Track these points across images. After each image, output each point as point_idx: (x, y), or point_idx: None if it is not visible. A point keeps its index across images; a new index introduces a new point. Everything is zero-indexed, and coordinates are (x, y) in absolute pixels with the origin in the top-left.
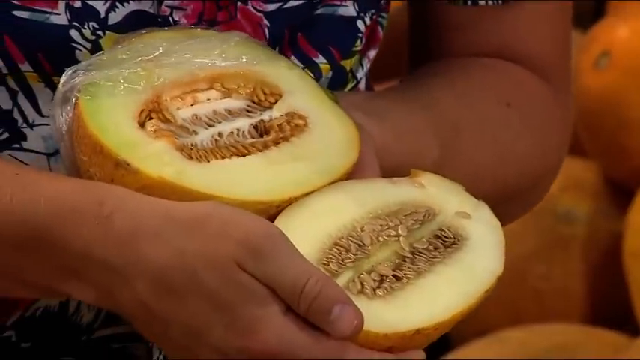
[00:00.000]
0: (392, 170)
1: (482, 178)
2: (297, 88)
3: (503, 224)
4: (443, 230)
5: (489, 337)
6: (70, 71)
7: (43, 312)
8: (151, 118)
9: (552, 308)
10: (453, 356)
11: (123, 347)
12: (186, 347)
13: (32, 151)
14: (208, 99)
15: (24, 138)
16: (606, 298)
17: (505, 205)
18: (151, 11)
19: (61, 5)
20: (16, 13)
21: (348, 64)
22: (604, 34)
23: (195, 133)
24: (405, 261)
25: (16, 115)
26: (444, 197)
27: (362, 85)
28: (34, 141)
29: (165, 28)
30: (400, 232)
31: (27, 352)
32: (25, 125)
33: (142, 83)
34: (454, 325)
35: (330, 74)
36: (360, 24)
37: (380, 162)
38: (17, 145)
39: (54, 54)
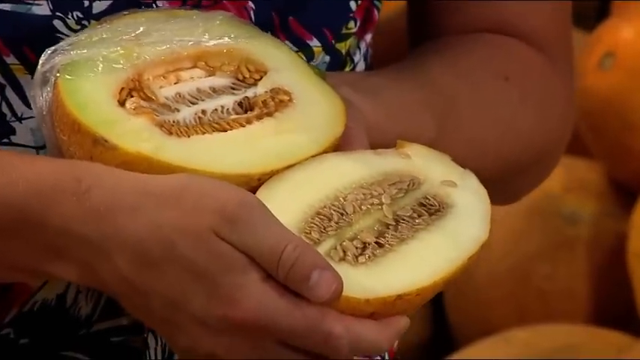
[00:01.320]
0: (386, 147)
1: (483, 154)
2: (282, 65)
3: (511, 202)
4: (428, 198)
5: (494, 338)
6: (49, 51)
7: (41, 306)
8: (131, 97)
9: (557, 308)
10: (458, 356)
11: (122, 340)
12: (168, 319)
13: (21, 145)
14: (192, 77)
15: (13, 132)
16: (611, 299)
17: (510, 181)
18: None
19: None
20: None
21: (343, 47)
22: (608, 34)
23: (178, 110)
24: (388, 229)
25: (5, 109)
26: (429, 167)
27: (360, 68)
28: (23, 134)
29: (148, 9)
30: (383, 200)
31: (26, 349)
32: (13, 119)
33: (122, 62)
34: (458, 324)
35: (325, 58)
36: (352, 4)
37: (374, 140)
38: (6, 140)
39: (38, 45)
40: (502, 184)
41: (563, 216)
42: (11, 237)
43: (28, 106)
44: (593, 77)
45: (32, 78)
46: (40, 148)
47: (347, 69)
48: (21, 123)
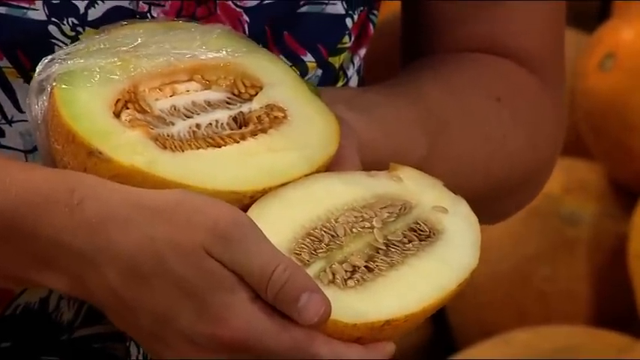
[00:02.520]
0: (379, 165)
1: (472, 173)
2: (277, 81)
3: (498, 221)
4: (419, 224)
5: (494, 339)
6: (47, 60)
7: (23, 310)
8: (127, 109)
9: (557, 310)
10: (458, 357)
11: (103, 347)
12: (156, 335)
13: (9, 148)
14: (188, 90)
15: (2, 134)
16: (611, 300)
17: (498, 201)
18: (130, 7)
19: (39, 1)
20: None
21: (336, 61)
22: (609, 35)
23: (172, 123)
24: (378, 253)
25: None
26: (421, 191)
27: (353, 82)
28: (12, 138)
29: (146, 20)
30: (375, 224)
31: (7, 352)
32: (3, 121)
33: (118, 73)
34: (458, 325)
35: (318, 72)
36: (348, 21)
37: (367, 157)
38: None
39: (32, 50)
40: (490, 204)
41: (564, 217)
42: (1, 244)
43: (19, 109)
44: (594, 78)
45: (25, 82)
46: (29, 152)
47: (340, 83)
48: (11, 126)
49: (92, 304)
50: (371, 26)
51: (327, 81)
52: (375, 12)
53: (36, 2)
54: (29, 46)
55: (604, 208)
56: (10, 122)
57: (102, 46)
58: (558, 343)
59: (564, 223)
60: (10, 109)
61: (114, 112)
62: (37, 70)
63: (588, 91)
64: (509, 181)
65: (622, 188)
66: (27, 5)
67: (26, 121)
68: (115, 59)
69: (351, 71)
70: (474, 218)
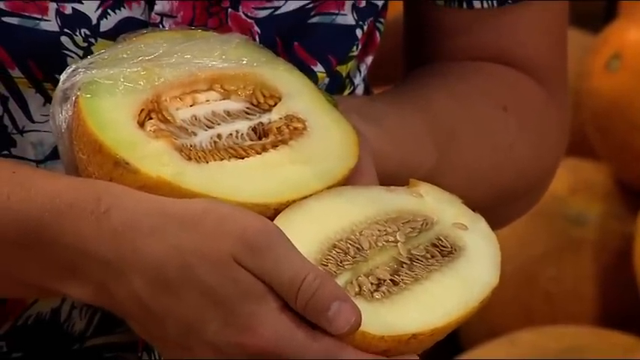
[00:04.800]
0: (389, 174)
1: (478, 181)
2: (296, 92)
3: (500, 226)
4: (440, 239)
5: (500, 339)
6: (70, 69)
7: (35, 320)
8: (150, 118)
9: (563, 310)
10: (464, 358)
11: (115, 357)
12: (182, 344)
13: (21, 158)
14: (207, 100)
15: (13, 144)
16: (617, 300)
17: (502, 208)
18: (142, 18)
19: (51, 11)
20: (5, 19)
21: (344, 69)
22: (615, 36)
23: (194, 134)
24: (402, 267)
25: (7, 121)
26: (441, 208)
27: (360, 90)
28: (23, 147)
29: (167, 29)
30: (398, 238)
31: None
32: (15, 131)
33: (142, 83)
34: (464, 325)
35: (326, 80)
36: (358, 32)
37: (378, 167)
38: (6, 152)
39: (45, 60)
40: (494, 210)
41: (570, 218)
42: (26, 252)
43: (31, 119)
44: (600, 79)
45: (36, 92)
46: (40, 162)
47: (346, 91)
48: (22, 136)
49: (116, 313)
50: (377, 34)
51: (333, 89)
52: (382, 20)
53: (48, 13)
54: (41, 56)
55: (610, 209)
56: (21, 132)
57: (125, 56)
58: (564, 344)
59: (570, 223)
60: (21, 119)
61: (138, 122)
62: (61, 79)
63: (594, 91)
64: (515, 189)
65: (628, 189)
66: (39, 16)
67: (38, 131)
68: (139, 69)
69: (358, 79)
70: (492, 236)
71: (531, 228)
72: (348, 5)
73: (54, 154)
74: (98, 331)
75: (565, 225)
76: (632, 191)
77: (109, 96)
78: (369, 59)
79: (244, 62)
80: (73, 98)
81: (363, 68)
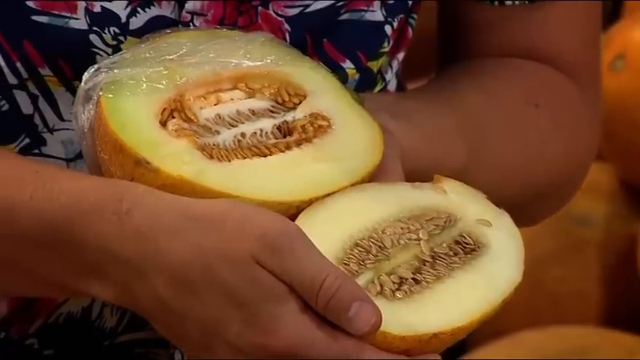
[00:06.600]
0: (419, 172)
1: (510, 179)
2: (321, 90)
3: (532, 224)
4: (463, 236)
5: (505, 340)
6: (93, 69)
7: (66, 318)
8: (173, 117)
9: (568, 311)
10: (469, 358)
11: (146, 352)
12: (203, 344)
13: (51, 156)
14: (232, 99)
15: (44, 143)
16: (622, 301)
17: (532, 206)
18: (172, 17)
19: (81, 10)
20: (34, 17)
21: (375, 65)
22: (620, 36)
23: (218, 132)
24: (424, 265)
25: (37, 120)
26: (465, 204)
27: (392, 86)
28: (54, 146)
29: (190, 28)
30: (421, 236)
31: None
32: (45, 130)
33: (164, 82)
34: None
35: (356, 77)
36: (387, 29)
37: (407, 165)
38: (36, 151)
39: (74, 59)
40: (524, 209)
41: (575, 218)
42: (48, 252)
43: (61, 117)
44: (604, 79)
45: (66, 91)
46: (70, 161)
47: (378, 87)
48: (52, 135)
49: (138, 312)
50: (410, 30)
51: (365, 85)
52: (414, 15)
53: (77, 11)
54: (71, 55)
55: (615, 209)
56: (51, 131)
57: (147, 55)
58: (569, 344)
59: (575, 224)
60: (51, 118)
61: (160, 122)
62: (84, 79)
63: None
64: (547, 187)
65: (633, 189)
66: (68, 14)
67: (68, 129)
68: (161, 68)
69: (389, 75)
70: (517, 232)
71: (537, 228)
72: (377, 2)
73: None
74: (129, 328)
75: (570, 226)
76: (637, 192)
77: (131, 96)
78: (401, 55)
79: (269, 60)
80: (95, 98)
81: (395, 64)
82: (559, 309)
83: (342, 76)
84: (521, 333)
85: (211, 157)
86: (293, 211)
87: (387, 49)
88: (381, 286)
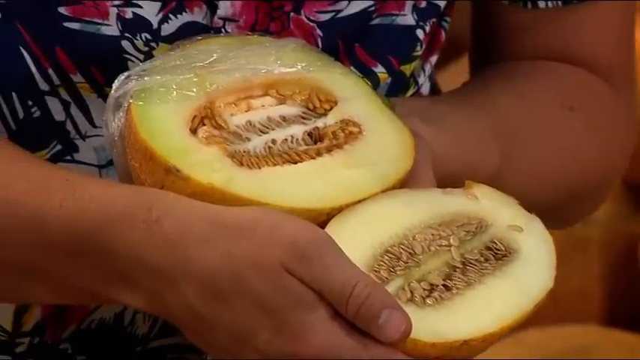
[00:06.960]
0: (452, 176)
1: (544, 183)
2: (352, 95)
3: (566, 226)
4: (494, 242)
5: (506, 339)
6: (123, 77)
7: (98, 324)
8: (203, 125)
9: (569, 309)
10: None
11: (178, 358)
12: (233, 352)
13: (83, 163)
14: (263, 105)
15: (76, 149)
16: (623, 300)
17: (568, 208)
18: (204, 22)
19: (112, 16)
20: (66, 24)
21: (407, 69)
22: None
23: (248, 139)
24: (455, 271)
25: (69, 126)
26: (496, 210)
27: (425, 89)
28: (86, 152)
29: (220, 35)
30: (452, 242)
31: None
32: (77, 136)
33: (194, 89)
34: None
35: (388, 81)
36: (419, 32)
37: (440, 170)
38: (69, 157)
39: (106, 65)
40: (560, 211)
41: None
42: (79, 260)
43: (93, 124)
44: None
45: (98, 97)
46: (102, 167)
47: (411, 91)
48: (84, 141)
49: (168, 320)
50: (442, 33)
51: (397, 89)
52: (447, 19)
53: (109, 18)
54: (102, 61)
55: (617, 208)
56: (84, 137)
57: (178, 62)
58: (570, 343)
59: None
60: (83, 125)
61: (190, 129)
62: (114, 86)
63: None
64: (581, 190)
65: (634, 188)
66: (100, 21)
67: (100, 136)
68: (191, 75)
69: (422, 78)
70: (548, 237)
71: None
72: (408, 6)
73: None
74: (161, 334)
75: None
76: (638, 191)
77: (161, 103)
78: (434, 58)
79: (300, 67)
80: (126, 106)
81: (428, 67)
82: (560, 308)
83: (373, 81)
84: (523, 332)
85: (241, 164)
86: (323, 218)
87: (419, 53)
88: (412, 292)
